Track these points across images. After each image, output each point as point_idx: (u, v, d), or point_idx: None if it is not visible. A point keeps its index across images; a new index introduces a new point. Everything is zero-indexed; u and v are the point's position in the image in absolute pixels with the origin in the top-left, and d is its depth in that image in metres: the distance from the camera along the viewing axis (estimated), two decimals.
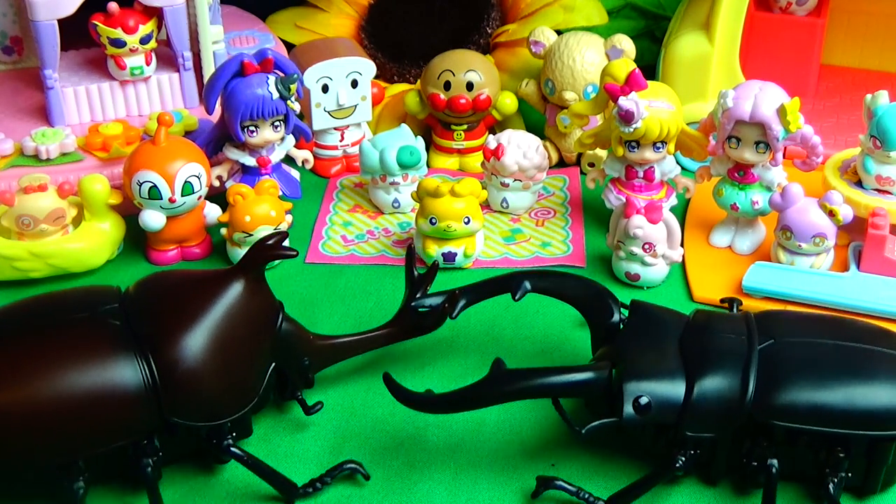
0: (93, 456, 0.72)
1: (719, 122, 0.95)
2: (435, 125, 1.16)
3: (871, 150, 0.97)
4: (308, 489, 0.77)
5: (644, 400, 0.73)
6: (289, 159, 1.07)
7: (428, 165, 1.12)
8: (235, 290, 0.76)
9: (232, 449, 0.75)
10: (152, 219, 0.97)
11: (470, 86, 1.11)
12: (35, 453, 0.71)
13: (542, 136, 1.14)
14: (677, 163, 1.02)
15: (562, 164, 1.16)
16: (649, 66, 1.17)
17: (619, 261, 0.97)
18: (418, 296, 0.83)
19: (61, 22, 1.03)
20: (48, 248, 0.96)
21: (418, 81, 1.16)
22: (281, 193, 1.01)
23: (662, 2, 1.31)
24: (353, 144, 1.15)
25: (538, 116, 1.18)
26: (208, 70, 1.09)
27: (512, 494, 0.77)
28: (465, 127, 1.14)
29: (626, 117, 0.94)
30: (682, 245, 0.97)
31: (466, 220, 0.97)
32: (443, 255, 0.98)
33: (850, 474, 0.74)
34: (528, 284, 0.83)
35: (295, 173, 1.08)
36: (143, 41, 1.07)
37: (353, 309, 0.95)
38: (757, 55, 1.18)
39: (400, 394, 0.76)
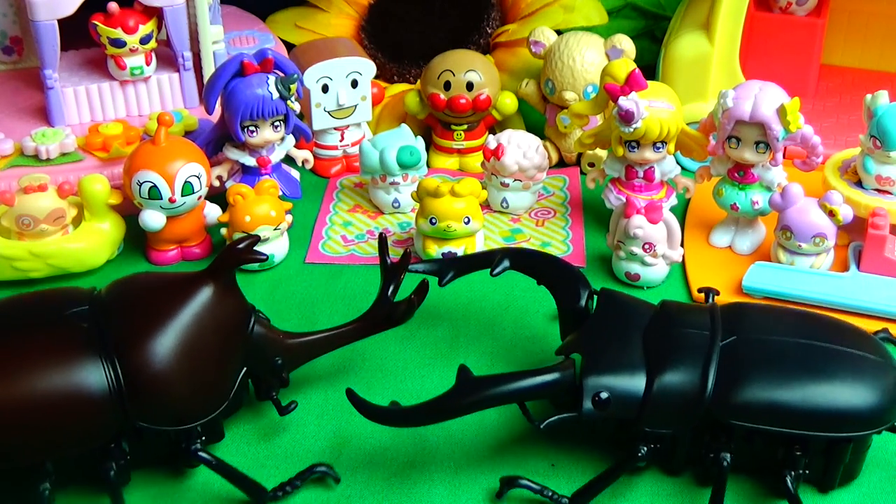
0: (59, 458, 0.72)
1: (719, 122, 0.95)
2: (435, 125, 1.16)
3: (871, 150, 0.97)
4: (277, 493, 0.76)
5: (604, 395, 0.73)
6: (289, 159, 1.07)
7: (428, 165, 1.12)
8: (205, 293, 0.75)
9: (200, 454, 0.75)
10: (152, 219, 0.97)
11: (470, 86, 1.11)
12: (0, 455, 0.70)
13: (542, 136, 1.14)
14: (677, 163, 1.02)
15: (562, 164, 1.16)
16: (649, 66, 1.17)
17: (619, 261, 0.97)
18: (392, 287, 0.82)
19: (61, 22, 1.03)
20: (48, 248, 0.96)
21: (418, 81, 1.16)
22: (281, 193, 1.01)
23: (662, 2, 1.31)
24: (353, 144, 1.15)
25: (538, 116, 1.18)
26: (208, 70, 1.09)
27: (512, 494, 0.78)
28: (465, 127, 1.14)
29: (626, 117, 0.94)
30: (682, 245, 0.97)
31: (466, 220, 0.97)
32: (443, 254, 0.98)
33: (807, 471, 0.75)
34: (507, 262, 0.85)
35: (295, 173, 1.08)
36: (143, 41, 1.07)
37: (353, 309, 0.95)
38: (757, 55, 1.18)
39: (363, 408, 0.75)
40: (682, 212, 1.06)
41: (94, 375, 0.71)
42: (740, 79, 1.12)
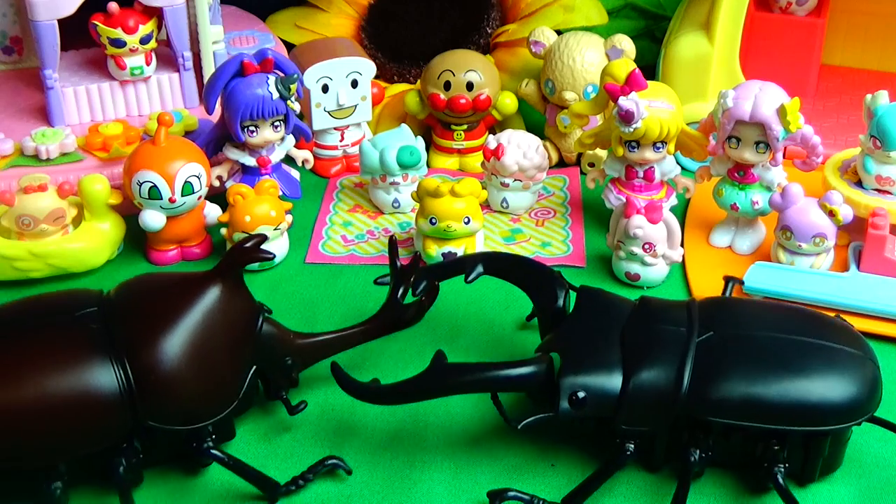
0: (71, 459, 0.72)
1: (719, 122, 0.95)
2: (435, 125, 1.16)
3: (871, 150, 0.97)
4: (290, 487, 0.77)
5: (580, 395, 0.73)
6: (289, 159, 1.07)
7: (428, 165, 1.12)
8: (213, 293, 0.76)
9: (212, 451, 0.75)
10: (152, 219, 0.97)
11: (470, 86, 1.11)
12: (10, 456, 0.71)
13: (542, 136, 1.14)
14: (677, 163, 1.02)
15: (562, 164, 1.16)
16: (649, 66, 1.17)
17: (619, 261, 0.97)
18: (402, 289, 0.83)
19: (61, 22, 1.03)
20: (48, 248, 0.96)
21: (418, 81, 1.16)
22: (281, 193, 1.01)
23: (662, 2, 1.31)
24: (353, 144, 1.15)
25: (538, 116, 1.18)
26: (208, 70, 1.09)
27: None
28: (465, 127, 1.14)
29: (626, 117, 0.94)
30: (682, 245, 0.97)
31: (466, 220, 0.97)
32: (443, 255, 0.98)
33: (787, 465, 0.75)
34: (481, 267, 0.84)
35: (295, 173, 1.08)
36: (143, 41, 1.07)
37: (353, 309, 0.95)
38: (757, 55, 1.18)
39: (345, 383, 0.76)
40: (682, 212, 1.06)
41: (104, 376, 0.71)
42: (740, 79, 1.12)
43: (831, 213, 0.92)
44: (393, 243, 0.85)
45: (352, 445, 0.81)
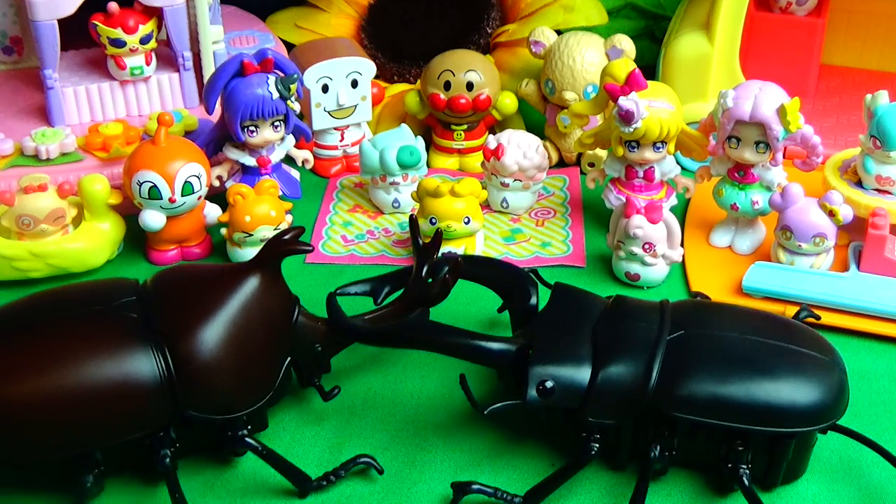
0: (109, 447, 0.73)
1: (719, 122, 0.95)
2: (435, 125, 1.16)
3: (871, 150, 0.97)
4: (322, 482, 0.77)
5: (549, 384, 0.73)
6: (289, 159, 1.07)
7: (428, 165, 1.12)
8: (252, 284, 0.76)
9: (247, 439, 0.76)
10: (152, 219, 0.97)
11: (470, 86, 1.11)
12: (51, 444, 0.71)
13: (542, 136, 1.14)
14: (677, 163, 1.02)
15: (562, 164, 1.16)
16: (649, 66, 1.17)
17: (619, 261, 0.97)
18: (426, 268, 0.83)
19: (61, 22, 1.03)
20: (48, 248, 0.96)
21: (418, 81, 1.16)
22: (281, 193, 1.01)
23: (662, 2, 1.31)
24: (353, 144, 1.15)
25: (538, 116, 1.18)
26: (208, 70, 1.09)
27: None
28: (465, 127, 1.14)
29: (626, 117, 0.94)
30: (682, 245, 0.97)
31: (466, 220, 0.97)
32: (443, 254, 0.98)
33: (750, 467, 0.75)
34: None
35: (295, 173, 1.08)
36: (143, 41, 1.07)
37: (353, 309, 0.94)
38: (757, 55, 1.18)
39: (337, 318, 0.78)
40: (682, 212, 1.06)
41: (145, 365, 0.72)
42: (740, 79, 1.12)
43: (831, 213, 0.92)
44: (414, 221, 0.85)
45: (352, 446, 0.81)
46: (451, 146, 1.15)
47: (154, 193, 0.96)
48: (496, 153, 1.04)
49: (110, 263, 1.00)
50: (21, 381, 0.71)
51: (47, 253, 0.96)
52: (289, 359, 0.79)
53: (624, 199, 0.98)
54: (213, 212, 1.01)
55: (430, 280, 0.83)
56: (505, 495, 0.76)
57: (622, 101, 0.94)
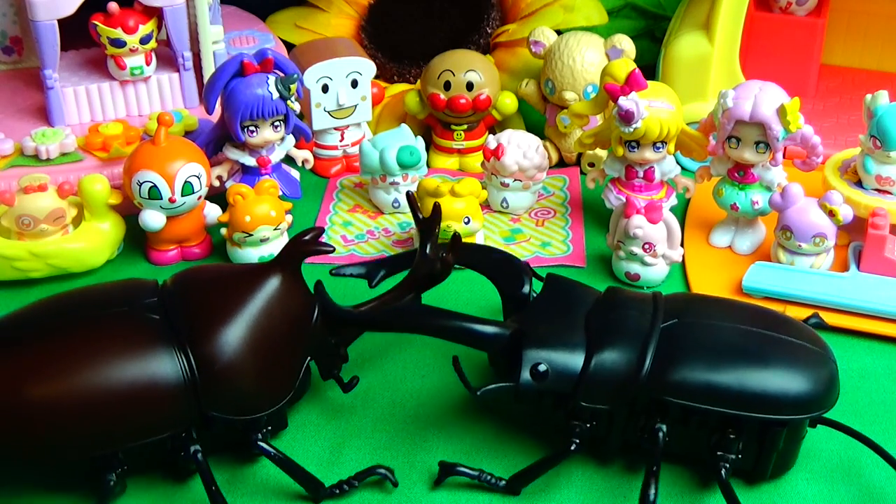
0: (132, 448, 0.73)
1: (719, 122, 0.95)
2: (435, 125, 1.16)
3: (871, 150, 0.97)
4: (335, 490, 0.77)
5: (542, 367, 0.74)
6: (289, 159, 1.07)
7: (428, 165, 1.12)
8: (272, 284, 0.76)
9: (260, 444, 0.76)
10: (152, 219, 0.97)
11: (470, 86, 1.11)
12: (75, 444, 0.72)
13: (542, 136, 1.14)
14: (677, 163, 1.02)
15: (562, 164, 1.16)
16: (649, 66, 1.17)
17: (619, 261, 0.97)
18: (429, 244, 0.83)
19: (61, 22, 1.03)
20: (48, 248, 0.96)
21: (418, 81, 1.16)
22: (281, 193, 1.01)
23: (662, 2, 1.31)
24: (353, 144, 1.15)
25: (538, 116, 1.18)
26: (208, 70, 1.09)
27: (512, 494, 0.77)
28: (465, 127, 1.14)
29: (626, 117, 0.94)
30: (682, 245, 0.97)
31: (466, 220, 0.97)
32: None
33: (740, 457, 0.75)
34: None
35: (295, 173, 1.08)
36: (143, 41, 1.07)
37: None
38: (757, 55, 1.18)
39: (328, 307, 0.78)
40: (682, 212, 1.06)
41: (168, 365, 0.72)
42: (740, 79, 1.12)
43: (831, 213, 0.92)
44: (411, 198, 0.86)
45: (352, 446, 0.81)
46: (451, 146, 1.15)
47: (154, 193, 0.96)
48: (496, 153, 1.04)
49: (110, 263, 1.00)
50: (50, 382, 0.71)
51: (47, 253, 0.96)
52: (309, 358, 0.79)
53: (624, 199, 0.98)
54: (213, 212, 1.01)
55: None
56: (489, 478, 0.76)
57: (622, 101, 0.94)
